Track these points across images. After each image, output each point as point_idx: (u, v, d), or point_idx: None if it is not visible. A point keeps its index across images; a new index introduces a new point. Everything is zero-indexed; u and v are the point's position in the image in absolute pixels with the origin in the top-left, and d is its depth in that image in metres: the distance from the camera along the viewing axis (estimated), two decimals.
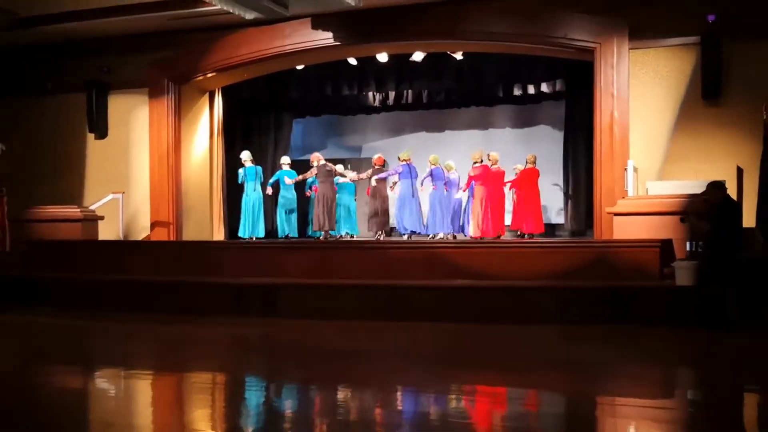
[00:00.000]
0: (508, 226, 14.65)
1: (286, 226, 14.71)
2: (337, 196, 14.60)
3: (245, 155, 14.76)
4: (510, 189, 14.35)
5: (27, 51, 15.61)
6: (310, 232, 14.99)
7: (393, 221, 14.79)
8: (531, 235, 13.90)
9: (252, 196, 14.62)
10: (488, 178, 13.77)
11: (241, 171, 14.69)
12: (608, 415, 6.17)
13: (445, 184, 14.14)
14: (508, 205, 14.55)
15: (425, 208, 14.43)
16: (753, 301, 9.45)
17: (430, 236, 14.03)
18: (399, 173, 14.13)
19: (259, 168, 14.87)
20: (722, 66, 11.91)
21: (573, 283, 10.21)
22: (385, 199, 14.31)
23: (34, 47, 15.50)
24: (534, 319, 9.91)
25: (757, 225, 10.58)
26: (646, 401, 6.52)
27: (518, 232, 14.32)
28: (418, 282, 10.75)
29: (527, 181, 14.05)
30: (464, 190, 14.08)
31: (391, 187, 14.34)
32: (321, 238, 14.11)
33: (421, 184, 14.38)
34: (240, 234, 14.76)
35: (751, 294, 9.41)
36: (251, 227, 14.57)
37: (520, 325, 9.82)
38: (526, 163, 14.13)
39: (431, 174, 14.08)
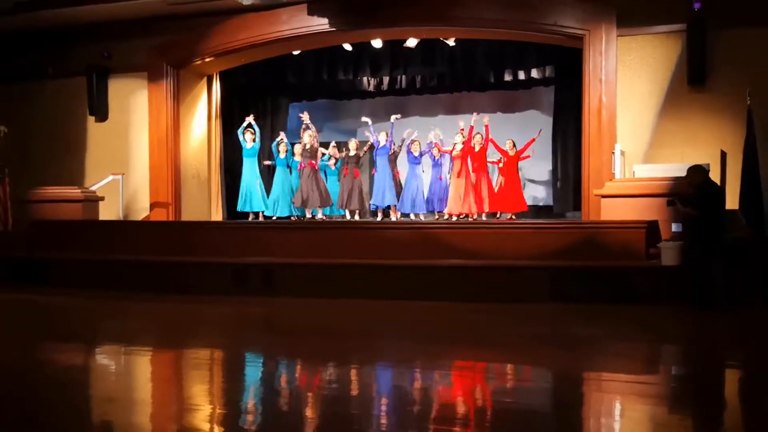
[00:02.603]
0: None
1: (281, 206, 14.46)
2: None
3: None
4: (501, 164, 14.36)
5: (28, 36, 15.68)
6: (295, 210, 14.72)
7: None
8: (515, 215, 14.04)
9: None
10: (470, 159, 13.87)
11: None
12: (595, 390, 6.32)
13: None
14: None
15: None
16: (736, 280, 9.72)
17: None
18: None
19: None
20: (707, 53, 12.12)
21: (563, 263, 10.41)
22: (355, 181, 14.22)
23: (35, 32, 15.56)
24: (526, 297, 10.15)
25: (740, 207, 10.81)
26: (632, 377, 6.65)
27: (498, 214, 14.43)
28: (413, 261, 10.91)
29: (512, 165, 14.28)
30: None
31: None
32: (298, 217, 14.06)
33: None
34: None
35: (734, 273, 9.66)
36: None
37: (512, 303, 10.02)
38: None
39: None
